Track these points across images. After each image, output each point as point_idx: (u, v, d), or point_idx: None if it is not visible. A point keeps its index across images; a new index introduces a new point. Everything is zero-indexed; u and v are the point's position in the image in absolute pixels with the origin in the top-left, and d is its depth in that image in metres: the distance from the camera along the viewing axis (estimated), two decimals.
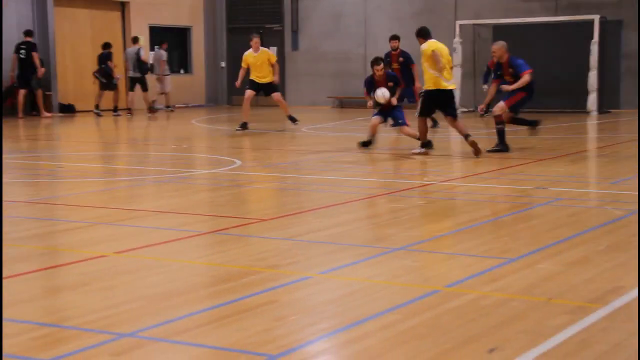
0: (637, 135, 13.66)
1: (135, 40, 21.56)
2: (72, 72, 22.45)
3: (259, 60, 16.03)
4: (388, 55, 15.99)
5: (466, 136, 11.49)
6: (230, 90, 25.49)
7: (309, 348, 4.01)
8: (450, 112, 11.75)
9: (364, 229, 7.05)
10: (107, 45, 21.18)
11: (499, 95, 12.40)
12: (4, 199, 7.90)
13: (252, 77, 16.13)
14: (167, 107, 22.71)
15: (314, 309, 4.60)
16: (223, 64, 26.06)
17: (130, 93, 21.68)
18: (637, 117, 16.97)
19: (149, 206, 8.13)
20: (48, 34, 21.35)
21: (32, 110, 20.78)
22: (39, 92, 20.18)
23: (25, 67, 19.85)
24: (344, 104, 24.55)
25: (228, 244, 6.33)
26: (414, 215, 7.52)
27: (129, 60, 21.37)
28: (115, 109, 21.23)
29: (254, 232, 6.71)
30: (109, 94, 21.22)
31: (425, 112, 11.93)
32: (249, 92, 16.15)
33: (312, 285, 5.14)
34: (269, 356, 3.85)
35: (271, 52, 16.63)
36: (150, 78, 21.77)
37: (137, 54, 21.13)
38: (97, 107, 21.06)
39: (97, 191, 9.22)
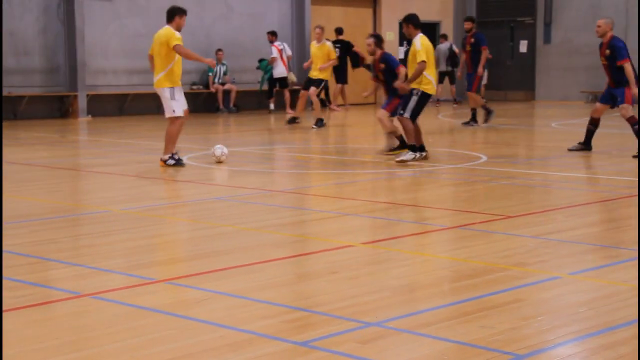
0: None
1: (444, 36, 23.06)
2: None
3: (319, 52, 15.90)
4: None
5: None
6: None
7: (558, 351, 3.88)
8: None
9: (618, 230, 6.70)
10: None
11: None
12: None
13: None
14: (454, 99, 23.26)
15: (563, 311, 4.44)
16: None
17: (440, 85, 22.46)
18: None
19: (393, 199, 8.24)
20: (304, 31, 22.30)
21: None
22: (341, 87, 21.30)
23: (340, 64, 20.92)
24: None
25: (472, 239, 6.28)
26: None
27: (441, 56, 22.26)
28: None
29: (500, 228, 6.60)
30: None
31: (418, 115, 10.73)
32: (312, 90, 16.06)
33: (561, 285, 4.97)
34: (516, 356, 3.77)
35: (332, 48, 16.23)
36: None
37: (450, 49, 22.38)
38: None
39: (346, 182, 9.49)
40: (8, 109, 17.91)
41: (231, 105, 20.71)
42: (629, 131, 11.66)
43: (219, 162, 10.48)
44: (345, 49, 20.63)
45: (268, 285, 4.95)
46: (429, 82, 10.54)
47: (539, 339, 4.01)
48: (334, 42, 20.77)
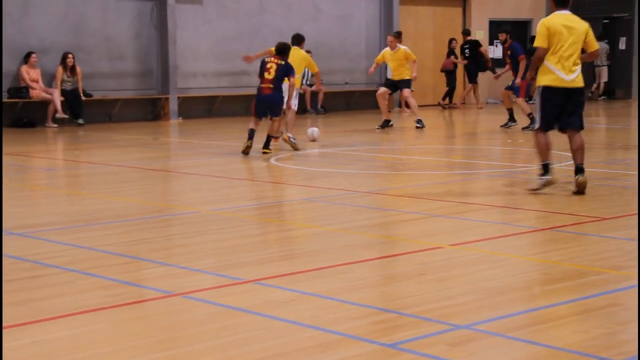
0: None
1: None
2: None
3: (394, 56, 15.84)
4: None
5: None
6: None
7: None
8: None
9: None
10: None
11: None
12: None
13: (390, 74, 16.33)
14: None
15: None
16: None
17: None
18: None
19: (482, 200, 8.12)
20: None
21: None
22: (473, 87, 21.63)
23: (471, 64, 21.42)
24: None
25: (564, 241, 6.13)
26: None
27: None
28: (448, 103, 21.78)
29: (592, 230, 6.42)
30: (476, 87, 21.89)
31: None
32: (383, 90, 16.27)
33: None
34: None
35: (408, 50, 16.05)
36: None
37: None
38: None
39: (434, 184, 9.41)
40: (103, 112, 18.43)
41: (319, 106, 20.80)
42: None
43: (313, 140, 13.10)
44: (473, 48, 21.06)
45: (356, 287, 4.94)
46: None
47: (635, 345, 3.88)
48: (463, 44, 21.23)
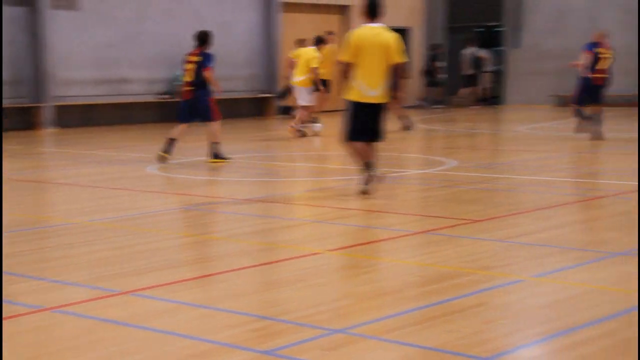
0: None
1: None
2: None
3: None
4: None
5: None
6: (447, 90, 25.42)
7: (521, 353, 3.91)
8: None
9: (580, 232, 6.77)
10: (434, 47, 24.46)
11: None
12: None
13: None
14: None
15: (526, 313, 4.48)
16: (442, 64, 26.00)
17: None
18: None
19: (360, 205, 8.26)
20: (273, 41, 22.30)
21: None
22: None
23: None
24: (567, 102, 23.65)
25: (439, 244, 6.30)
26: (636, 219, 7.11)
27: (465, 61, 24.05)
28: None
29: (466, 233, 6.63)
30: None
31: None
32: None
33: (524, 288, 5.00)
34: (479, 359, 3.79)
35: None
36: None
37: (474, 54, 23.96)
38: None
39: (310, 190, 9.49)
40: None
41: None
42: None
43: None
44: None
45: (235, 295, 4.94)
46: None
47: (502, 342, 4.04)
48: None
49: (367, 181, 8.41)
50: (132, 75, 20.04)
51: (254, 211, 8.13)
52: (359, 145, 8.39)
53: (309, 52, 15.31)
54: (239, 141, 15.53)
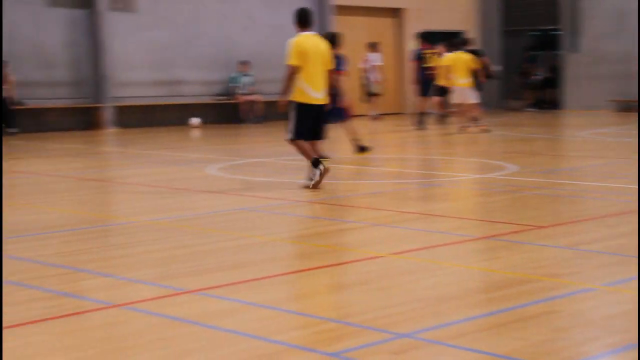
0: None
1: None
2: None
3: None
4: None
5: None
6: (502, 94, 25.19)
7: None
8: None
9: None
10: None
11: None
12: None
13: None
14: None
15: (598, 322, 4.38)
16: (498, 68, 25.77)
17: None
18: None
19: (422, 209, 8.20)
20: None
21: None
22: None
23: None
24: (626, 108, 23.24)
25: (503, 250, 6.22)
26: None
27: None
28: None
29: (531, 239, 6.53)
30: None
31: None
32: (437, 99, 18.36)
33: (595, 297, 4.90)
34: None
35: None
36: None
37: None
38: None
39: (372, 193, 9.46)
40: (36, 121, 18.06)
41: (256, 115, 20.78)
42: None
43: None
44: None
45: (299, 296, 4.94)
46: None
47: (574, 351, 3.96)
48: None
49: (314, 176, 9.07)
50: (189, 77, 20.25)
51: (315, 213, 8.13)
52: (305, 143, 9.19)
53: (465, 56, 16.79)
54: None
